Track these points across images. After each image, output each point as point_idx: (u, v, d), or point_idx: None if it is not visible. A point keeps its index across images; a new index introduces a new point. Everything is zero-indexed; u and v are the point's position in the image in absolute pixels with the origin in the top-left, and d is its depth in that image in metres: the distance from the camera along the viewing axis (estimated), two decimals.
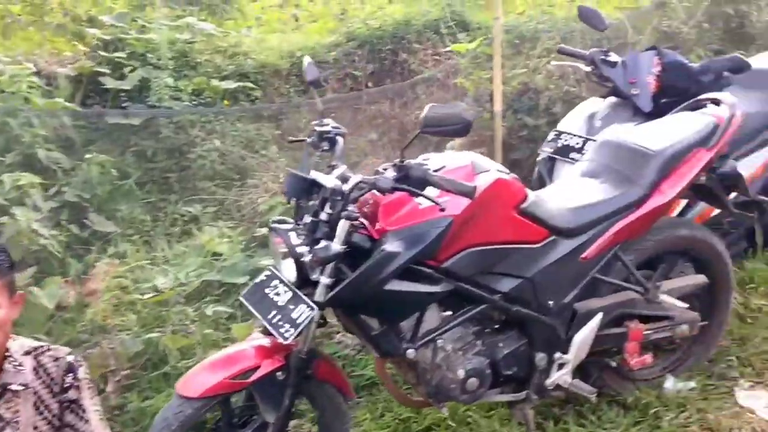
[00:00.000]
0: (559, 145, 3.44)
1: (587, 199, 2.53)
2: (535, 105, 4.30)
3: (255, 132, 5.08)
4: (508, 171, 2.41)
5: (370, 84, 5.81)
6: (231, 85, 5.29)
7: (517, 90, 4.35)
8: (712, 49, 5.55)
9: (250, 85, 5.40)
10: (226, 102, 5.22)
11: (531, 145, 4.21)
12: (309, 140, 2.38)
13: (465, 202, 2.14)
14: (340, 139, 2.34)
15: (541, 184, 3.46)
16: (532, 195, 2.41)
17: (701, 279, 2.81)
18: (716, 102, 2.81)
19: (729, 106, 2.75)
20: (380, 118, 5.56)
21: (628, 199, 2.52)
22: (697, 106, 2.85)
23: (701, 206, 3.28)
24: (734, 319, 3.17)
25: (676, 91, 3.31)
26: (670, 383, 2.79)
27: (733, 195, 3.02)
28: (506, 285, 2.37)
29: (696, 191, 2.83)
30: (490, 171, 2.31)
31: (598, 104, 3.58)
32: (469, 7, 6.55)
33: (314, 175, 2.15)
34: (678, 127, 2.67)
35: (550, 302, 2.44)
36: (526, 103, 4.33)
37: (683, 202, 3.20)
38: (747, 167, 3.54)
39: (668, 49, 3.57)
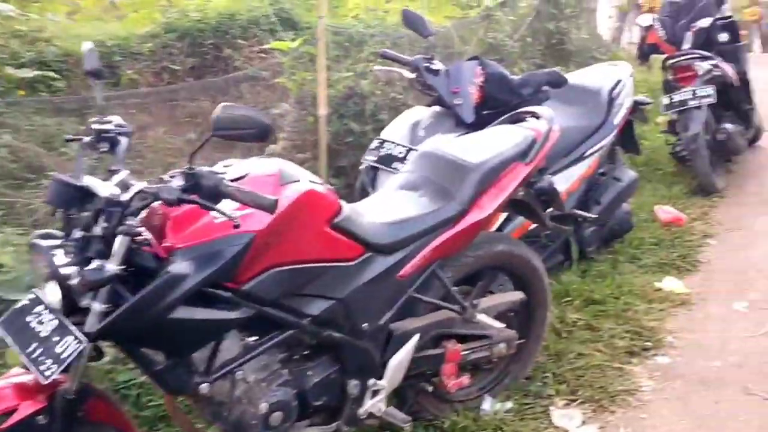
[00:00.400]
0: (382, 153, 3.29)
1: (405, 213, 2.37)
2: (362, 110, 4.15)
3: (56, 127, 4.52)
4: (321, 181, 2.20)
5: (190, 79, 5.42)
6: (29, 73, 4.70)
7: (342, 94, 4.18)
8: (534, 63, 5.73)
9: (53, 74, 4.83)
10: (21, 92, 4.63)
11: (357, 151, 4.05)
12: (86, 140, 2.03)
13: (269, 216, 1.89)
14: (123, 140, 2.01)
15: (363, 193, 3.30)
16: (347, 208, 2.21)
17: (519, 296, 2.75)
18: (535, 116, 2.77)
19: (547, 120, 2.71)
20: (200, 116, 5.18)
21: (447, 214, 2.39)
22: (517, 119, 2.80)
23: (520, 220, 3.26)
24: (550, 334, 3.16)
25: (498, 102, 3.28)
26: (487, 404, 2.70)
27: (549, 209, 3.00)
28: (317, 307, 2.15)
29: (513, 206, 2.77)
30: (301, 181, 2.08)
31: (422, 113, 3.48)
32: (299, 5, 6.33)
33: (87, 181, 1.81)
34: (497, 141, 2.59)
35: (365, 325, 2.26)
36: (352, 108, 4.17)
37: (502, 216, 3.16)
38: (563, 181, 3.60)
39: (491, 60, 3.54)
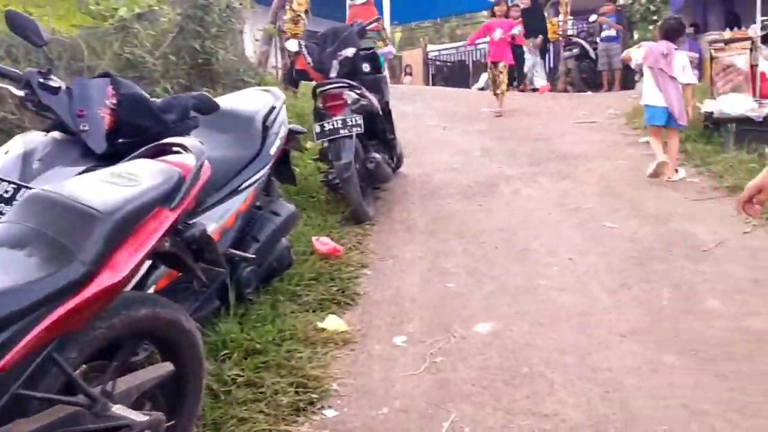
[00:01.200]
0: None
1: (4, 281, 1.73)
2: None
3: None
4: None
5: None
6: None
7: None
8: (179, 83, 5.25)
9: None
10: None
11: None
12: None
13: None
14: None
15: None
16: None
17: (167, 368, 2.25)
18: (182, 148, 2.31)
19: (197, 154, 2.26)
20: None
21: (65, 280, 1.79)
22: (160, 152, 2.32)
23: (164, 268, 2.76)
24: (206, 398, 2.72)
25: (136, 129, 2.75)
26: None
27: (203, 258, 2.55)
28: None
29: (158, 258, 2.28)
30: None
31: (37, 139, 2.78)
32: None
33: None
34: (133, 180, 2.06)
35: None
36: None
37: (146, 263, 2.63)
38: (217, 218, 3.22)
39: (125, 79, 2.98)
